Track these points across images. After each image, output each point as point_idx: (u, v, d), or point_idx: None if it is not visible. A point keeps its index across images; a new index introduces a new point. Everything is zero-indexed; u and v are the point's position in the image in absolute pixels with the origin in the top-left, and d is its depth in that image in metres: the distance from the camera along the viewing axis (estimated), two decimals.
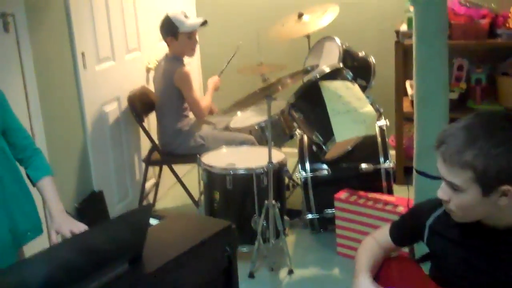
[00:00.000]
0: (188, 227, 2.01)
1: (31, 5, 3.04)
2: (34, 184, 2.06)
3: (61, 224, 1.95)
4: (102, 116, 3.63)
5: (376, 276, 1.88)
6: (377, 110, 3.42)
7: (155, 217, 2.09)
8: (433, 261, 1.87)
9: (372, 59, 3.85)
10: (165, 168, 3.98)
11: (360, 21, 4.58)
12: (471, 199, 1.58)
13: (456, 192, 1.59)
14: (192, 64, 4.80)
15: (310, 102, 3.27)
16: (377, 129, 3.54)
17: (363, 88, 3.80)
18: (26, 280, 1.45)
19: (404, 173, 4.29)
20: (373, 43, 4.48)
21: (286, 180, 4.11)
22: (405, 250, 2.78)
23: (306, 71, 3.22)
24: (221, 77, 4.09)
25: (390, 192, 3.50)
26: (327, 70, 3.29)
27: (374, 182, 3.49)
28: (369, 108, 3.25)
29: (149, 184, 4.14)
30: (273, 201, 3.17)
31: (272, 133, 3.81)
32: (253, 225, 3.27)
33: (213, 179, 3.33)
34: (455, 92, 4.26)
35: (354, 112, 3.19)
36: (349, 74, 3.37)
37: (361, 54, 3.88)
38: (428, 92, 2.93)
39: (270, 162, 3.13)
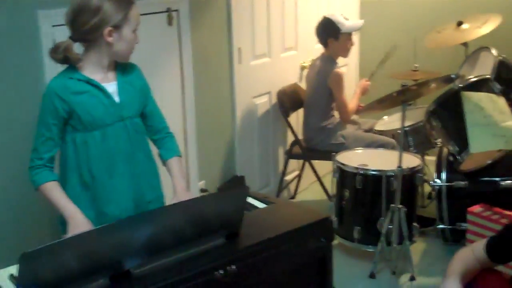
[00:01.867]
0: (289, 214, 2.17)
1: (195, 2, 3.39)
2: (164, 163, 2.35)
3: (181, 198, 2.22)
4: (252, 108, 3.92)
5: (469, 287, 1.89)
6: None
7: (264, 201, 2.28)
8: None
9: None
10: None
11: None
12: None
13: None
14: (350, 66, 4.92)
15: (449, 111, 3.24)
16: None
17: None
18: (135, 233, 1.72)
19: None
20: None
21: (428, 188, 4.08)
22: None
23: (448, 79, 3.19)
24: (371, 79, 4.14)
25: None
26: (472, 80, 3.22)
27: None
28: (511, 123, 3.12)
29: (292, 176, 4.35)
30: (400, 206, 3.20)
31: (416, 140, 3.83)
32: (378, 227, 3.33)
33: (344, 177, 3.45)
34: None
35: (494, 125, 3.09)
36: (496, 87, 3.26)
37: None
38: None
39: (399, 166, 3.16)
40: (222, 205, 1.91)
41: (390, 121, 4.12)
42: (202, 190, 3.51)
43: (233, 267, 1.84)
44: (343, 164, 3.44)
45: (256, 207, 2.25)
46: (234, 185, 3.77)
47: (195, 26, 3.43)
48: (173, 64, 3.33)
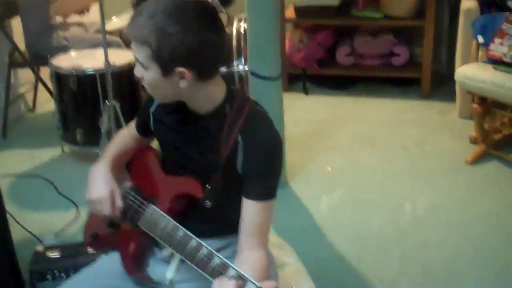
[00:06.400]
0: None
1: None
2: None
3: None
4: None
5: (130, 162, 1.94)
6: (221, 11, 3.38)
7: None
8: (161, 149, 1.90)
9: None
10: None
11: None
12: (153, 78, 1.55)
13: (144, 69, 1.57)
14: None
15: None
16: (234, 32, 3.51)
17: None
18: None
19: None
20: None
21: None
22: None
23: None
24: None
25: None
26: None
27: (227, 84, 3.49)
28: None
29: (26, 87, 4.15)
30: (114, 102, 3.18)
31: None
32: (100, 126, 3.31)
33: (60, 80, 3.35)
34: None
35: None
36: None
37: None
38: None
39: (107, 62, 3.11)
40: None
41: (119, 21, 4.05)
42: None
43: None
44: (57, 67, 3.33)
45: None
46: None
47: None
48: None
